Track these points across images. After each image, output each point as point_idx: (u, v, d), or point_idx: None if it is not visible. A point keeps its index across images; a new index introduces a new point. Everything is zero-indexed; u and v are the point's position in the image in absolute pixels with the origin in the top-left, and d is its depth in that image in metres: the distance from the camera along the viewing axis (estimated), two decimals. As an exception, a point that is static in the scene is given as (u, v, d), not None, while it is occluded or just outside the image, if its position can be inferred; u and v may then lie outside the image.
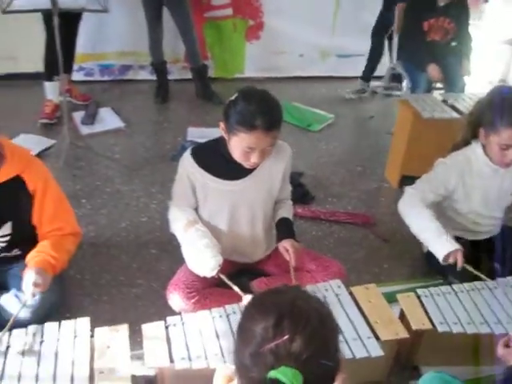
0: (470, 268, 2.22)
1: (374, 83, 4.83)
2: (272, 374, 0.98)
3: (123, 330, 1.78)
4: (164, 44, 4.34)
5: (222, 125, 2.09)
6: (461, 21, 3.89)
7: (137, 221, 2.96)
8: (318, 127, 4.15)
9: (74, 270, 2.51)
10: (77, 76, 4.41)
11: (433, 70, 3.73)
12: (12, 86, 4.32)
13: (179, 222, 2.23)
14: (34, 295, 1.90)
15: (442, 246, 2.24)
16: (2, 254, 2.16)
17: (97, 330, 1.78)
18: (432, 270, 2.63)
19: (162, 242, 2.76)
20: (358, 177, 3.55)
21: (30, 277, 1.91)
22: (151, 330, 1.79)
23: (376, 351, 1.79)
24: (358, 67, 4.77)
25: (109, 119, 4.03)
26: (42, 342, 1.72)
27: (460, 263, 2.20)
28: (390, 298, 2.06)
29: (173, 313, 2.06)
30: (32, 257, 2.03)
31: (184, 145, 3.62)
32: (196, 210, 2.31)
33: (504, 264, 2.32)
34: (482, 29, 4.97)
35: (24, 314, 1.92)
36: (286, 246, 2.20)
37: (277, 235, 2.31)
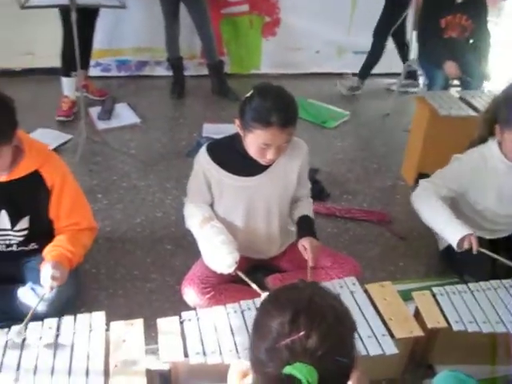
0: (486, 251, 2.20)
1: (389, 80, 4.81)
2: (287, 369, 0.98)
3: (138, 324, 1.79)
4: (180, 40, 4.34)
5: (237, 121, 2.09)
6: (479, 18, 3.85)
7: (152, 216, 2.97)
8: (333, 124, 4.14)
9: (89, 264, 2.52)
10: (94, 72, 4.43)
11: (450, 67, 3.70)
12: (29, 81, 4.36)
13: (195, 219, 2.23)
14: (51, 289, 1.92)
15: (455, 231, 2.24)
16: (19, 248, 2.18)
17: (112, 323, 1.79)
18: (448, 268, 2.62)
19: (176, 237, 2.77)
20: (373, 174, 3.53)
21: (47, 270, 1.93)
22: (166, 324, 1.81)
23: (390, 349, 1.78)
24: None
25: (125, 115, 4.04)
26: (57, 335, 1.74)
27: (475, 246, 2.19)
28: (405, 296, 2.06)
29: (187, 308, 2.07)
30: (49, 251, 2.05)
31: (199, 141, 3.62)
32: (211, 206, 2.31)
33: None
34: (500, 26, 4.91)
35: (40, 307, 1.94)
36: (304, 244, 2.19)
37: (297, 233, 2.29)
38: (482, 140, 2.44)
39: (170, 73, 4.53)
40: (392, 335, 1.84)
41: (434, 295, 2.04)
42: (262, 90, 2.05)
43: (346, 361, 1.03)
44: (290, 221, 2.45)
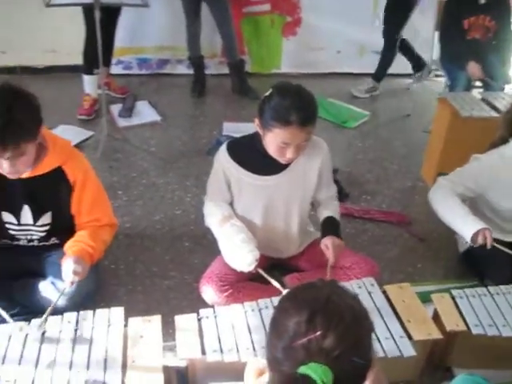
0: (501, 247, 2.18)
1: (407, 81, 4.78)
2: (302, 369, 0.98)
3: (156, 320, 1.80)
4: (202, 38, 4.36)
5: (256, 121, 2.09)
6: (502, 19, 3.81)
7: (171, 213, 2.99)
8: (353, 124, 4.12)
9: (108, 259, 2.54)
10: (115, 69, 4.47)
11: (473, 67, 3.67)
12: (52, 78, 4.41)
13: (214, 217, 2.24)
14: (72, 283, 1.94)
15: (469, 225, 2.24)
16: (41, 243, 2.21)
17: (130, 319, 1.80)
18: (468, 270, 2.60)
19: (195, 235, 2.78)
20: (393, 175, 3.51)
21: (69, 265, 1.95)
22: (184, 321, 1.82)
23: (408, 351, 1.77)
24: (395, 64, 4.71)
25: (146, 112, 4.07)
26: (76, 330, 1.76)
27: (489, 241, 2.18)
28: (424, 298, 2.04)
29: (205, 306, 2.07)
30: (70, 246, 2.07)
31: (219, 139, 3.63)
32: (231, 204, 2.32)
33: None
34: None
35: (60, 301, 1.95)
36: (326, 243, 2.18)
37: (321, 233, 2.27)
38: (503, 140, 2.43)
39: (191, 71, 4.55)
40: (410, 337, 1.83)
41: (453, 298, 2.02)
42: (281, 88, 2.05)
43: (362, 361, 1.03)
44: (309, 221, 2.45)
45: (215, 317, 1.84)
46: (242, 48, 4.68)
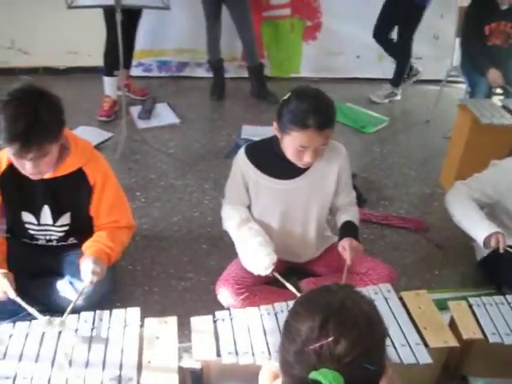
0: None
1: (429, 87, 4.76)
2: (313, 375, 0.98)
3: (172, 321, 1.81)
4: (221, 42, 4.37)
5: (275, 124, 2.09)
6: (524, 25, 3.78)
7: (189, 215, 3.00)
8: (372, 129, 4.11)
9: (125, 260, 2.56)
10: (135, 71, 4.51)
11: (493, 74, 3.63)
12: (72, 79, 4.46)
13: (232, 221, 2.25)
14: (91, 283, 1.95)
15: (483, 229, 2.24)
16: (59, 243, 2.23)
17: (146, 320, 1.81)
18: (485, 278, 2.57)
19: (213, 237, 2.79)
20: (411, 181, 3.49)
21: (87, 265, 1.97)
22: (200, 323, 1.82)
23: (424, 358, 1.76)
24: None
25: (165, 115, 4.10)
26: (93, 329, 1.77)
27: (502, 245, 2.17)
28: (440, 306, 2.02)
29: (220, 308, 2.09)
30: (88, 246, 2.09)
31: (238, 142, 3.64)
32: (249, 207, 2.32)
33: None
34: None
35: (78, 301, 1.96)
36: (344, 244, 2.17)
37: (339, 236, 2.26)
38: (523, 147, 2.41)
39: (211, 74, 4.57)
40: (426, 344, 1.81)
41: (470, 306, 2.00)
42: (299, 92, 2.05)
43: (374, 368, 1.02)
44: (327, 226, 2.45)
45: (231, 319, 1.85)
46: (261, 52, 4.69)
